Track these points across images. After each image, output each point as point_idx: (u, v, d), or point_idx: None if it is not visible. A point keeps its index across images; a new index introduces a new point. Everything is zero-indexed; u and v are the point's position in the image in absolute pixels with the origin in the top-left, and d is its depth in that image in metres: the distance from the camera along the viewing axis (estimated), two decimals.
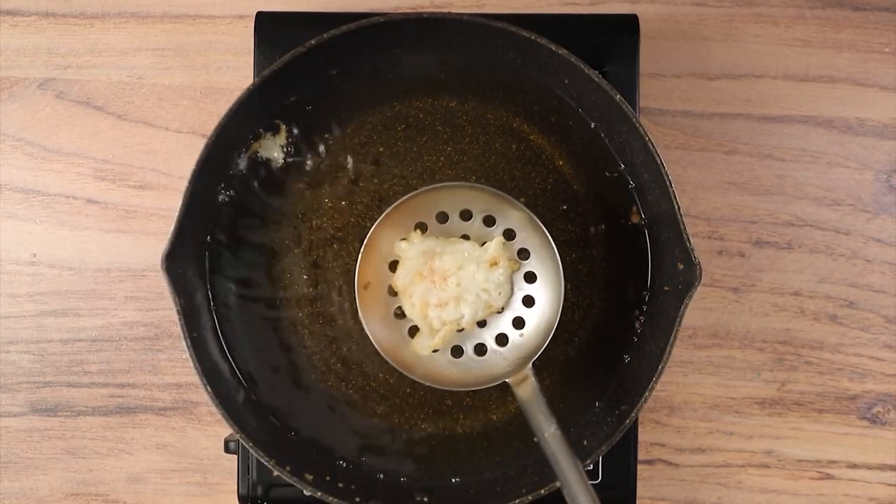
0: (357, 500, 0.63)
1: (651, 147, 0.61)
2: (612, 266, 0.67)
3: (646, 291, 0.66)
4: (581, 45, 0.64)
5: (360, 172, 0.67)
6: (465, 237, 0.64)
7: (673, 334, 0.61)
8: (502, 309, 0.64)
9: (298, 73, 0.64)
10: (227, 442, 0.68)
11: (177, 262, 0.61)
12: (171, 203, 0.72)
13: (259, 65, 0.69)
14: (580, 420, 0.66)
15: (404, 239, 0.64)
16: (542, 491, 0.61)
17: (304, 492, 0.62)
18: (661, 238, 0.65)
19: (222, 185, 0.66)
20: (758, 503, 0.75)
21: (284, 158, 0.67)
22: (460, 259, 0.63)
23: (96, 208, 0.75)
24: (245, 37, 0.73)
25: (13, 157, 0.75)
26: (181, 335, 0.61)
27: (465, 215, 0.64)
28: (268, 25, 0.69)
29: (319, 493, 0.62)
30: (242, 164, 0.66)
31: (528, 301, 0.64)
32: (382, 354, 0.64)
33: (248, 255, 0.67)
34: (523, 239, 0.64)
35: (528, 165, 0.67)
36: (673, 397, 0.75)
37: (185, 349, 0.61)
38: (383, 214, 0.64)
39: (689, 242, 0.61)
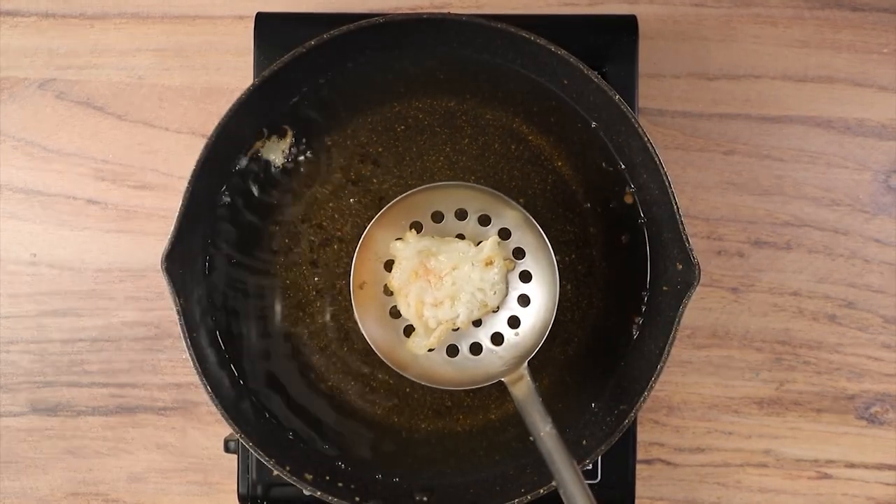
0: (357, 499, 0.63)
1: (650, 147, 0.62)
2: (611, 266, 0.67)
3: (645, 291, 0.66)
4: (580, 46, 0.64)
5: (360, 173, 0.67)
6: (461, 236, 0.64)
7: (672, 334, 0.61)
8: (497, 308, 0.64)
9: (298, 74, 0.64)
10: (226, 441, 0.68)
11: (177, 262, 0.61)
12: (172, 203, 0.72)
13: (259, 65, 0.69)
14: (579, 420, 0.66)
15: (399, 238, 0.64)
16: (542, 490, 0.61)
17: (304, 491, 0.62)
18: (660, 238, 0.65)
19: (223, 186, 0.66)
20: (756, 503, 0.75)
21: (286, 160, 0.67)
22: (455, 258, 0.63)
23: (96, 208, 0.75)
24: (245, 37, 0.73)
25: (13, 157, 0.75)
26: (181, 335, 0.61)
27: (461, 215, 0.65)
28: (268, 26, 0.70)
29: (319, 493, 0.62)
30: (243, 164, 0.66)
31: (524, 300, 0.65)
32: (378, 354, 0.64)
33: (248, 255, 0.67)
34: (518, 238, 0.64)
35: (528, 166, 0.67)
36: (672, 397, 0.75)
37: (185, 349, 0.62)
38: (378, 214, 0.64)
39: (688, 242, 0.61)
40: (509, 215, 0.64)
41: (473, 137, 0.67)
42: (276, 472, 0.62)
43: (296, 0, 0.74)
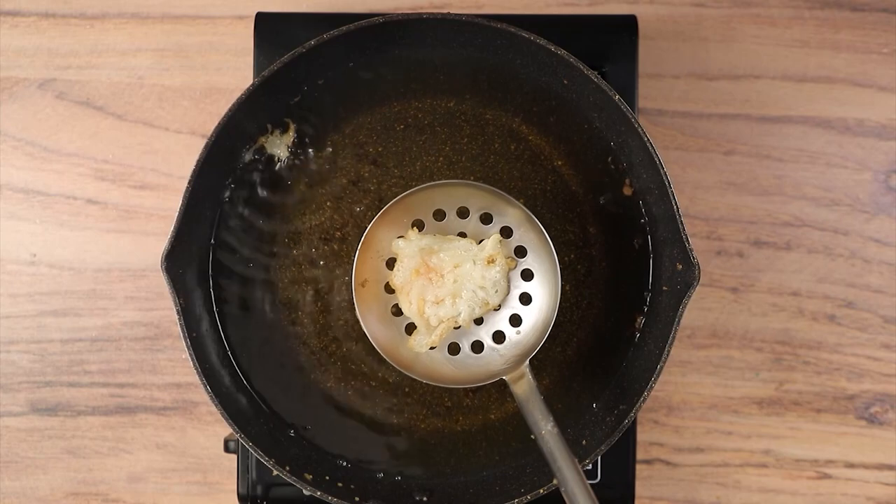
0: (356, 499, 0.63)
1: (650, 147, 0.62)
2: (611, 266, 0.67)
3: (645, 291, 0.66)
4: (580, 46, 0.64)
5: (360, 173, 0.67)
6: (462, 235, 0.64)
7: (671, 334, 0.61)
8: (499, 306, 0.64)
9: (298, 74, 0.64)
10: (226, 441, 0.68)
11: (177, 261, 0.61)
12: (171, 203, 0.72)
13: (259, 65, 0.69)
14: (579, 420, 0.66)
15: (401, 237, 0.64)
16: (542, 490, 0.61)
17: (304, 491, 0.62)
18: (659, 238, 0.65)
19: (223, 185, 0.66)
20: (756, 503, 0.75)
21: (287, 158, 0.67)
22: (457, 256, 0.63)
23: (96, 208, 0.75)
24: (245, 37, 0.73)
25: (13, 157, 0.75)
26: (181, 335, 0.62)
27: (463, 213, 0.65)
28: (267, 26, 0.70)
29: (319, 493, 0.62)
30: (246, 160, 0.66)
31: (525, 299, 0.65)
32: (379, 352, 0.64)
33: (249, 254, 0.67)
34: (520, 236, 0.64)
35: (527, 165, 0.67)
36: (671, 397, 0.75)
37: (185, 349, 0.62)
38: (380, 212, 0.64)
39: (688, 243, 0.61)
40: (511, 213, 0.64)
41: (473, 137, 0.67)
42: (275, 472, 0.62)
43: (296, 0, 0.74)
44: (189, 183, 0.62)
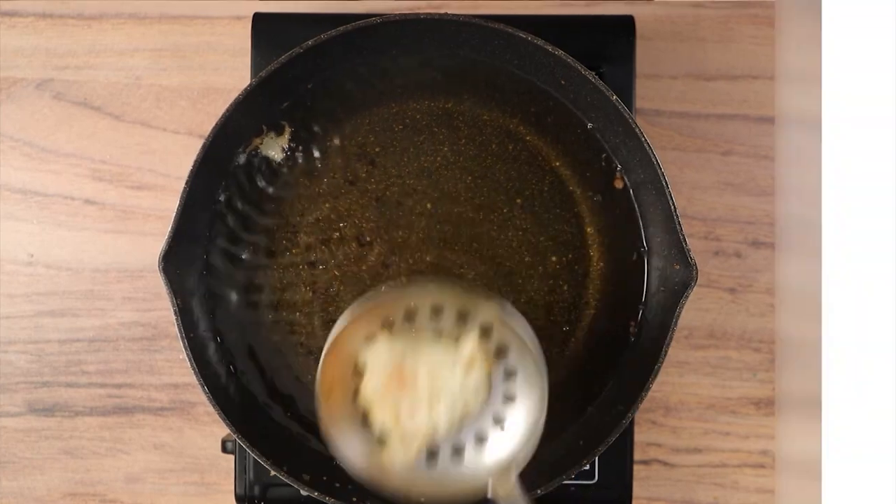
0: (354, 500, 0.63)
1: (647, 148, 0.62)
2: (609, 266, 0.67)
3: (642, 292, 0.66)
4: (577, 46, 0.64)
5: (358, 173, 0.67)
6: (438, 334, 0.58)
7: (669, 335, 0.61)
8: (480, 409, 0.57)
9: (295, 74, 0.64)
10: (224, 442, 0.68)
11: (174, 262, 0.61)
12: (169, 204, 0.72)
13: (256, 66, 0.69)
14: (577, 420, 0.66)
15: (371, 339, 0.57)
16: (539, 491, 0.61)
17: (302, 492, 0.62)
18: (657, 238, 0.65)
19: (220, 186, 0.66)
20: (754, 503, 0.75)
21: (283, 159, 0.67)
22: (433, 362, 0.56)
23: (94, 209, 0.75)
24: (242, 38, 0.73)
25: (11, 157, 0.75)
26: (178, 335, 0.61)
27: (436, 311, 0.58)
28: (265, 26, 0.70)
29: (316, 494, 0.62)
30: (241, 164, 0.66)
31: (508, 399, 0.58)
32: (347, 470, 0.58)
33: (246, 255, 0.67)
34: (500, 334, 0.58)
35: (525, 166, 0.67)
36: (669, 397, 0.75)
37: (183, 349, 0.62)
38: (347, 318, 0.59)
39: (686, 243, 0.61)
40: (488, 310, 0.58)
41: (471, 138, 0.67)
42: (273, 473, 0.62)
43: (293, 1, 0.74)
44: (186, 183, 0.62)
